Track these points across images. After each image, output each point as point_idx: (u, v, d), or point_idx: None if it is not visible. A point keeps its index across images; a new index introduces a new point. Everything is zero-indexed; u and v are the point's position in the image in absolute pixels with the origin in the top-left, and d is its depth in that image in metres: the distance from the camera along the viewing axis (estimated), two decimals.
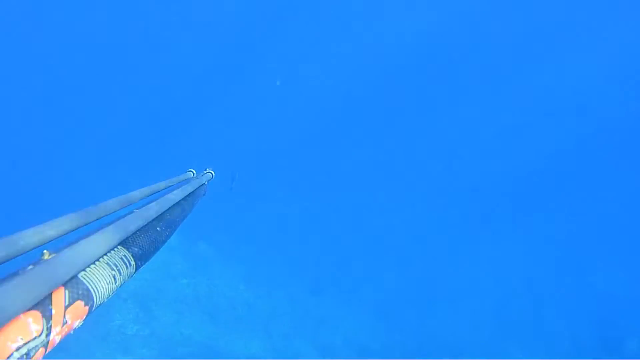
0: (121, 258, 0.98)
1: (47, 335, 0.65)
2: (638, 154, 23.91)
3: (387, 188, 22.24)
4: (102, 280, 0.85)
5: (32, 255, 0.74)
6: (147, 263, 1.11)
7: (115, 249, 0.99)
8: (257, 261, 13.65)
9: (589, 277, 16.68)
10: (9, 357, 0.56)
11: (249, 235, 15.07)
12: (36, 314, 0.63)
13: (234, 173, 10.03)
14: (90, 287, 0.80)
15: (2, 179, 14.96)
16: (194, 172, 1.95)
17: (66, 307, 0.71)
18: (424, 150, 26.10)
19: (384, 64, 26.76)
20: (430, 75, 26.54)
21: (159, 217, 1.27)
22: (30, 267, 0.66)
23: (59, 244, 0.81)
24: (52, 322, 0.66)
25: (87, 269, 0.83)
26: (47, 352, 0.65)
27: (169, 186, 1.54)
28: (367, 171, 23.66)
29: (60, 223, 0.84)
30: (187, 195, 1.59)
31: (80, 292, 0.76)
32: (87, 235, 0.88)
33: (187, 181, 1.75)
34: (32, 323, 0.61)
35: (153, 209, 1.19)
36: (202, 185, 1.85)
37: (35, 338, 0.61)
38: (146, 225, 1.16)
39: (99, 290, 0.83)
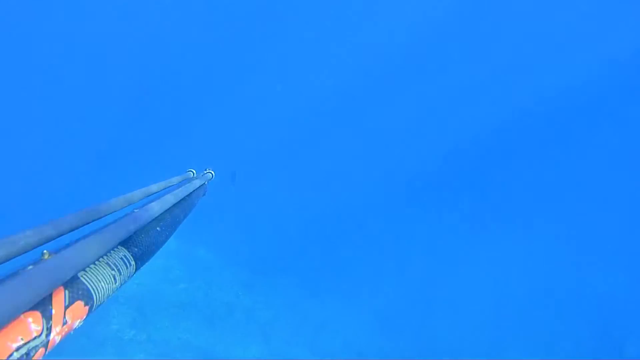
0: (121, 258, 0.98)
1: (47, 335, 0.65)
2: (638, 154, 24.05)
3: (387, 189, 22.29)
4: (102, 280, 0.85)
5: (32, 255, 0.73)
6: (147, 263, 1.11)
7: (115, 249, 0.99)
8: (256, 266, 13.62)
9: (589, 278, 16.71)
10: (9, 357, 0.56)
11: (247, 239, 15.05)
12: (36, 314, 0.63)
13: (234, 173, 10.07)
14: (90, 287, 0.80)
15: (2, 179, 14.90)
16: (194, 172, 1.96)
17: (66, 307, 0.71)
18: (424, 150, 26.16)
19: (384, 64, 26.88)
20: (430, 75, 26.70)
21: (159, 218, 1.27)
22: (30, 267, 0.66)
23: (59, 244, 0.81)
24: (52, 322, 0.66)
25: (87, 269, 0.83)
26: (47, 352, 0.65)
27: (169, 186, 1.54)
28: (367, 172, 23.72)
29: (60, 223, 0.84)
30: (187, 196, 1.59)
31: (80, 292, 0.76)
32: (87, 235, 0.87)
33: (187, 181, 1.75)
34: (32, 323, 0.62)
35: (153, 209, 1.19)
36: (202, 185, 1.85)
37: (35, 338, 0.61)
38: (146, 225, 1.16)
39: (99, 290, 0.83)
